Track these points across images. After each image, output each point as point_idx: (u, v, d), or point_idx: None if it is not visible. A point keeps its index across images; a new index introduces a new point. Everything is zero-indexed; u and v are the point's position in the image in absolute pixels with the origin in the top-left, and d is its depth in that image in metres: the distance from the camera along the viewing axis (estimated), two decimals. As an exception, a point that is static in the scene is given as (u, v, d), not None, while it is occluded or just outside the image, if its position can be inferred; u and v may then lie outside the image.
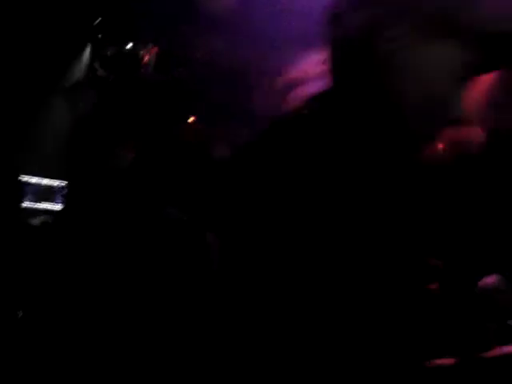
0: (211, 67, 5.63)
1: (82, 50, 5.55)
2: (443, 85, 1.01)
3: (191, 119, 5.97)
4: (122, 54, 5.54)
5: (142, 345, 1.81)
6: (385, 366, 1.15)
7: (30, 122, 5.37)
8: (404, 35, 0.98)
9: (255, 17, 4.51)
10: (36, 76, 5.13)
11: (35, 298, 2.49)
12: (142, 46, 5.60)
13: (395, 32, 0.98)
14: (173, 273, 1.83)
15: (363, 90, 1.03)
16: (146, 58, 5.62)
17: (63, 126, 5.43)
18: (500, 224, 3.48)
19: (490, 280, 3.04)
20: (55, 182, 5.72)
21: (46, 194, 5.66)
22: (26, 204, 5.46)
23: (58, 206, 5.65)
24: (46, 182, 5.68)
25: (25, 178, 5.50)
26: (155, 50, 5.67)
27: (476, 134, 2.83)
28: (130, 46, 5.56)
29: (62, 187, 5.73)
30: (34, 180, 5.57)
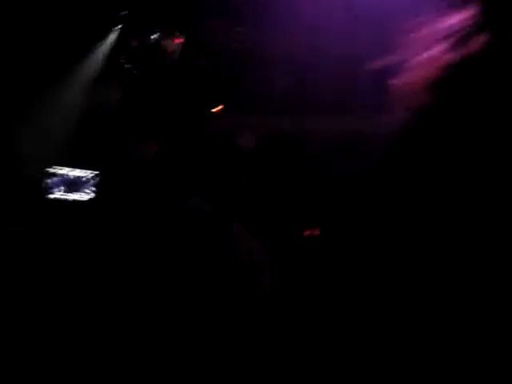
0: (237, 55, 5.59)
1: (103, 40, 5.56)
2: None
3: (217, 109, 5.94)
4: (147, 45, 5.54)
5: (168, 332, 1.80)
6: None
7: (53, 113, 5.42)
8: None
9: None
10: (52, 67, 5.17)
11: (67, 283, 2.51)
12: (166, 37, 5.58)
13: None
14: (199, 263, 1.81)
15: None
16: (172, 49, 5.61)
17: (86, 117, 5.48)
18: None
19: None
20: (84, 173, 5.78)
21: (75, 185, 5.73)
22: (56, 195, 5.54)
23: (86, 197, 5.71)
24: (74, 173, 5.74)
25: (53, 170, 5.57)
26: (180, 39, 5.65)
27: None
28: (154, 36, 5.55)
29: (91, 178, 5.78)
30: (62, 171, 5.64)
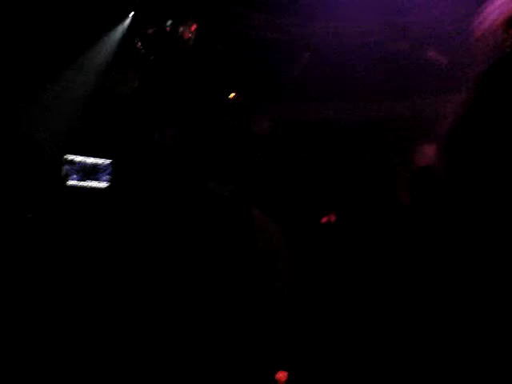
0: (252, 41, 5.55)
1: (117, 25, 5.56)
2: None
3: (233, 94, 5.92)
4: (162, 32, 5.52)
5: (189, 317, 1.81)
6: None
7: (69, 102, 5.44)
8: None
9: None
10: (67, 52, 5.18)
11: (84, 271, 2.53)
12: (181, 23, 5.55)
13: None
14: (217, 248, 1.81)
15: None
16: (187, 35, 5.58)
17: (102, 102, 5.49)
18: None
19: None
20: (100, 160, 5.82)
21: (93, 172, 5.77)
22: (72, 182, 5.59)
23: (103, 184, 5.75)
24: (91, 160, 5.78)
25: (70, 157, 5.61)
26: (195, 25, 5.61)
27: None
28: (169, 23, 5.53)
29: (108, 165, 5.82)
30: (79, 158, 5.67)
